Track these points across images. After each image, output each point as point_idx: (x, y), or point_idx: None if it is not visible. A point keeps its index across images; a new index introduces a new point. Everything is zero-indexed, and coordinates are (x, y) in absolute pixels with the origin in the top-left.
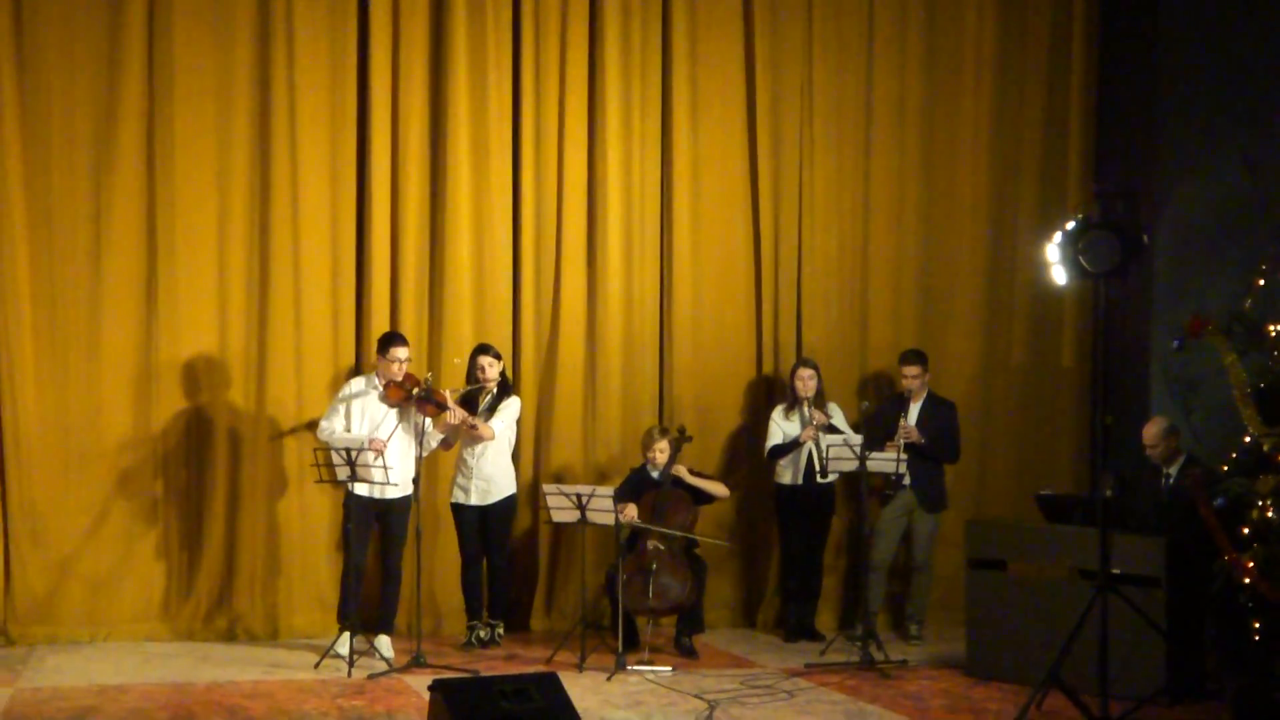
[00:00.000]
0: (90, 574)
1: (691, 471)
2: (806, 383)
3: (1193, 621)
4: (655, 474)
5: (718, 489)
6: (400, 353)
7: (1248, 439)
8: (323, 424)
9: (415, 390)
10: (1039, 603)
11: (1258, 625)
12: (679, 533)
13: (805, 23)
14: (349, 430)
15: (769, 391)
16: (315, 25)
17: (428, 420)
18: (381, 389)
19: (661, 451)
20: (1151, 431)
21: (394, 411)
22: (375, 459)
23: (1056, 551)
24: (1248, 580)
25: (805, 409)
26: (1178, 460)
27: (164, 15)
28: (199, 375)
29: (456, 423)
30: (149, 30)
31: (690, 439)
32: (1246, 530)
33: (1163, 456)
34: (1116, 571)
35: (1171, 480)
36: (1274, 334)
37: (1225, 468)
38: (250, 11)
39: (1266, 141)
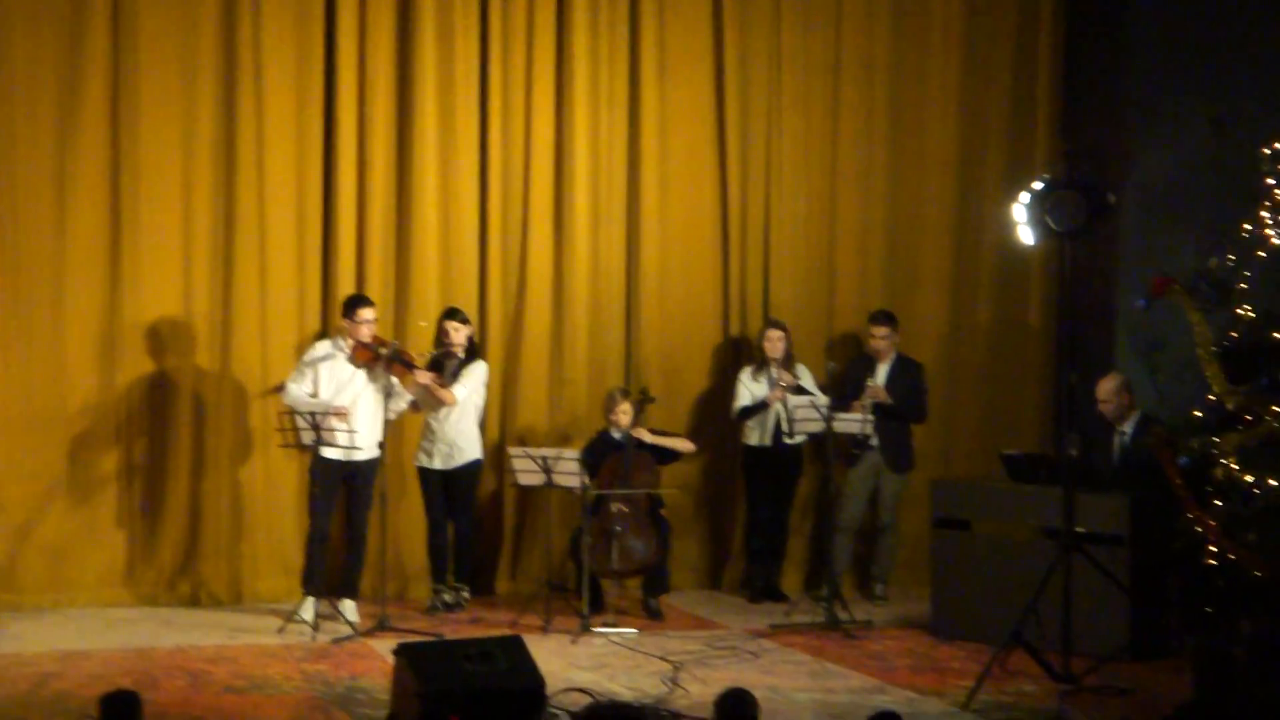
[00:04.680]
0: (52, 540)
1: (653, 431)
2: (775, 344)
3: (1156, 580)
4: (618, 436)
5: (681, 444)
6: (367, 314)
7: (1212, 398)
8: (289, 387)
9: (383, 350)
10: (1004, 562)
11: (1220, 583)
12: (642, 490)
13: None
14: (316, 394)
15: (736, 353)
16: None
17: (395, 381)
18: (349, 351)
19: (624, 414)
20: (1106, 387)
21: (362, 374)
22: (341, 421)
23: (1021, 511)
24: (1211, 538)
25: (773, 370)
26: (1132, 417)
27: None
28: (163, 339)
29: (426, 383)
30: None
31: (654, 400)
32: (1210, 489)
33: (1115, 413)
34: (1081, 530)
35: (1126, 438)
36: (1239, 293)
37: (1189, 426)
38: None
39: (1233, 101)
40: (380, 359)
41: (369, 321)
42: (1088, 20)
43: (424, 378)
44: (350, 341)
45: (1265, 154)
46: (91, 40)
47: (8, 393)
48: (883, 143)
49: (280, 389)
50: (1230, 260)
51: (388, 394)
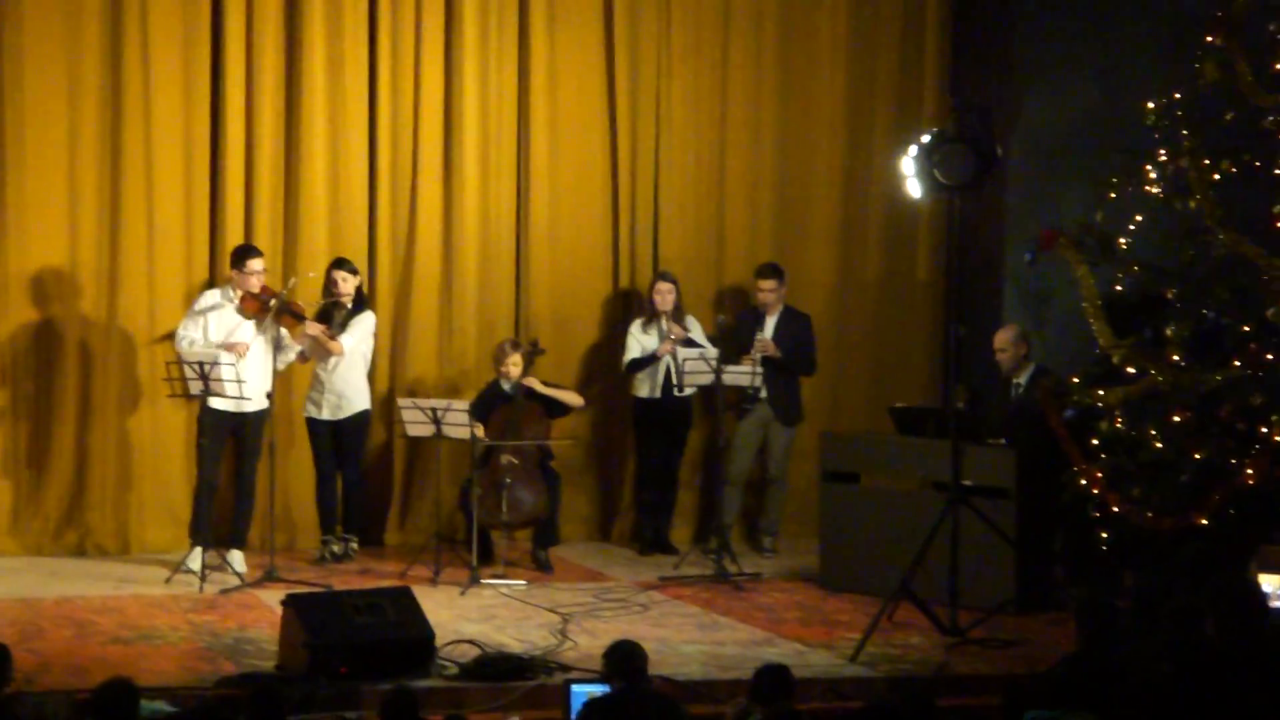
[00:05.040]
0: None
1: (544, 383)
2: (665, 296)
3: (1042, 533)
4: (508, 387)
5: (571, 398)
6: (256, 264)
7: (1098, 351)
8: (180, 334)
9: (272, 302)
10: (892, 515)
11: (1105, 536)
12: (532, 441)
13: None
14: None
15: (626, 305)
16: None
17: (284, 332)
18: (237, 301)
19: (515, 365)
20: (1003, 336)
21: (250, 324)
22: (230, 372)
23: (909, 464)
24: (1096, 492)
25: (663, 323)
26: (1027, 369)
27: None
28: (48, 287)
29: (315, 334)
30: None
31: (544, 352)
32: (1096, 442)
33: (1011, 362)
34: (968, 483)
35: (1021, 390)
36: (1124, 247)
37: (1076, 379)
38: None
39: (1118, 54)
40: (268, 310)
41: (258, 273)
42: None
43: (313, 329)
44: (239, 292)
45: (1149, 108)
46: None
47: None
48: (772, 96)
49: (167, 338)
50: (1116, 214)
51: (276, 345)
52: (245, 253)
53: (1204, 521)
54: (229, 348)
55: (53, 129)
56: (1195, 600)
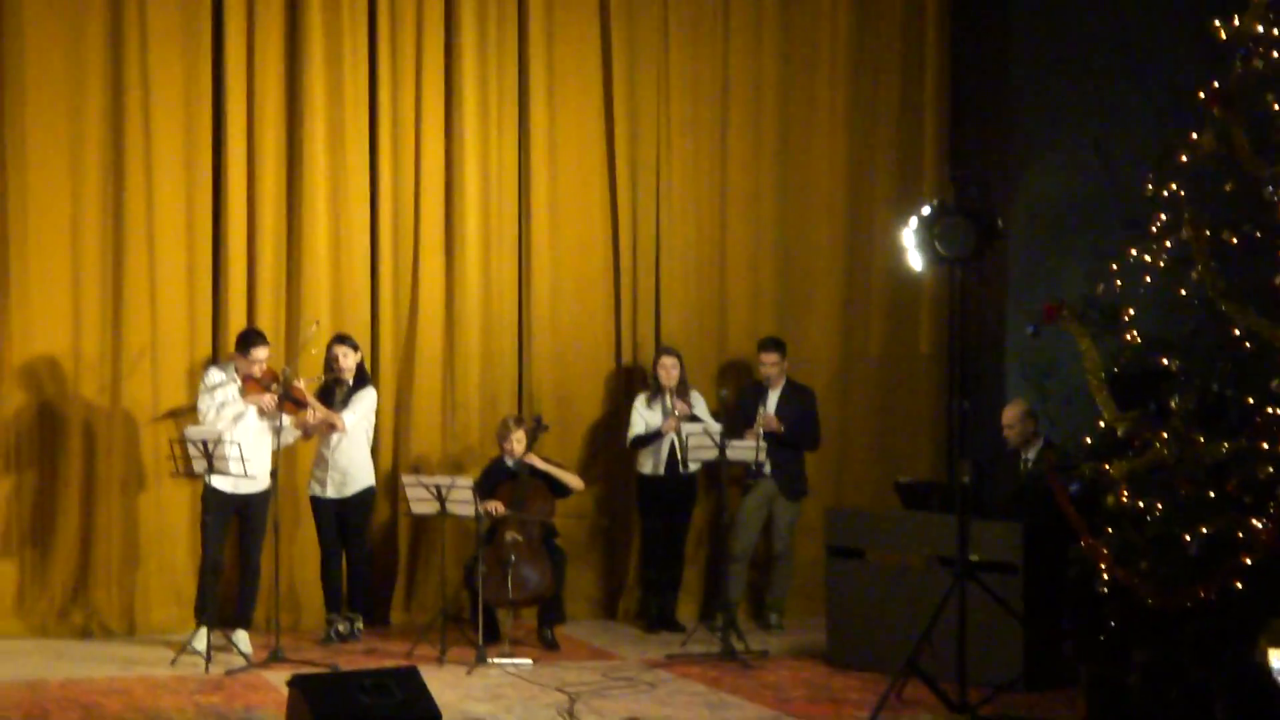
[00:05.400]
0: None
1: (545, 459)
2: (669, 372)
3: (1050, 608)
4: (511, 464)
5: (572, 480)
6: (260, 353)
7: (1102, 424)
8: (200, 409)
9: (273, 386)
10: (898, 591)
11: (1113, 611)
12: (538, 518)
13: (661, 4)
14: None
15: (628, 381)
16: (168, 13)
17: (285, 417)
18: (239, 383)
19: (519, 441)
20: (1011, 413)
21: (253, 407)
22: (234, 450)
23: (915, 539)
24: (1103, 566)
25: (667, 399)
26: (1035, 444)
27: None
28: (52, 367)
29: (316, 421)
30: None
31: (547, 428)
32: (1102, 516)
33: (1020, 439)
34: (975, 558)
35: (1029, 464)
36: (1128, 319)
37: (1080, 453)
38: None
39: (1116, 126)
40: (270, 392)
41: (260, 361)
42: (973, 44)
43: (314, 417)
44: (242, 375)
45: (1150, 177)
46: None
47: None
48: (771, 166)
49: (173, 415)
50: (1117, 286)
51: (276, 430)
52: (249, 340)
53: (1212, 596)
54: (259, 399)
55: (54, 211)
56: (1205, 678)
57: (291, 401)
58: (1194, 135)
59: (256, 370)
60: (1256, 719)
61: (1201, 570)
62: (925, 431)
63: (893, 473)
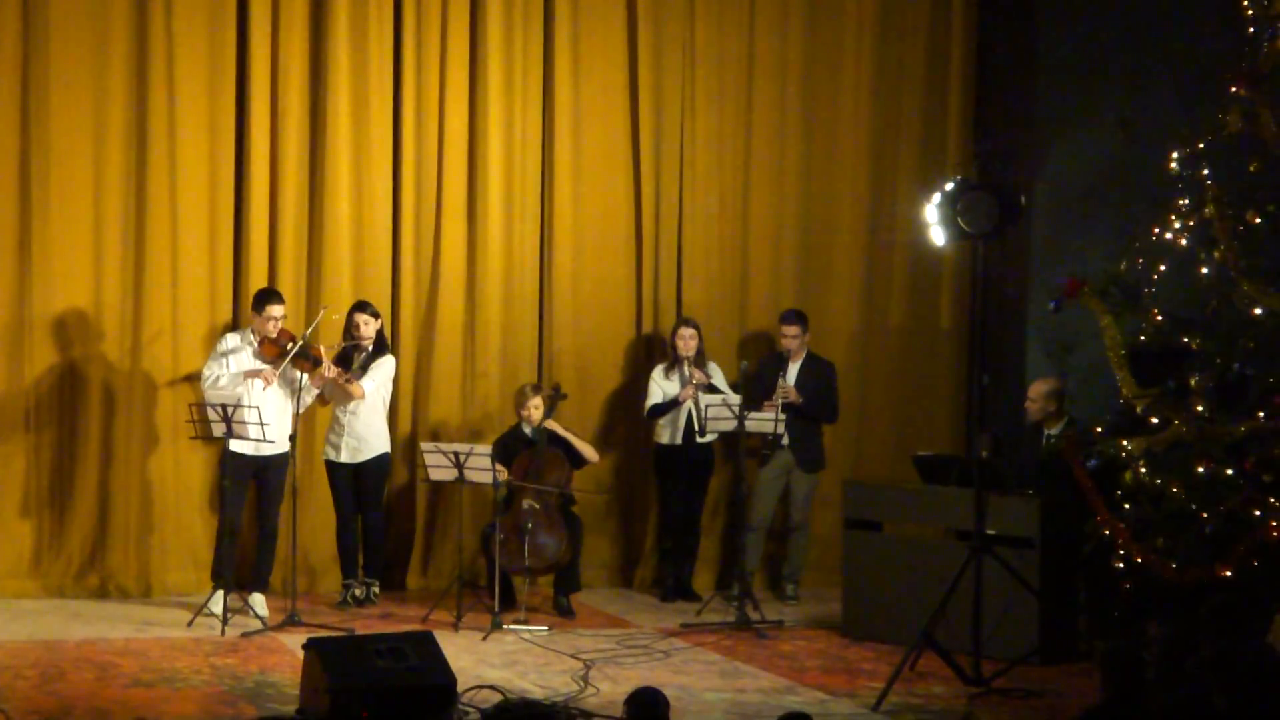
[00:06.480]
0: None
1: (564, 428)
2: (688, 342)
3: (1065, 583)
4: (529, 431)
5: (588, 451)
6: (275, 310)
7: (1122, 400)
8: (205, 374)
9: (290, 345)
10: (914, 563)
11: (1128, 586)
12: (554, 488)
13: None
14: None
15: (648, 350)
16: None
17: (303, 376)
18: (256, 345)
19: (536, 409)
20: (1037, 388)
21: (269, 367)
22: (253, 414)
23: (932, 512)
24: (1119, 542)
25: (685, 368)
26: (1060, 422)
27: None
28: (73, 330)
29: (331, 378)
30: None
31: (565, 396)
32: (1119, 492)
33: (1039, 414)
34: (991, 532)
35: (1052, 440)
36: (1149, 296)
37: (1099, 429)
38: None
39: (1141, 102)
40: (286, 354)
41: (276, 319)
42: (999, 21)
43: (330, 373)
44: (259, 335)
45: (1173, 157)
46: (1, 25)
47: None
48: (796, 141)
49: (191, 378)
50: (1140, 263)
51: (294, 390)
52: (265, 298)
53: (1228, 574)
54: (254, 374)
55: (78, 172)
56: (1220, 654)
57: (308, 360)
58: (1220, 115)
59: (272, 329)
60: (1266, 697)
61: (1217, 548)
62: (944, 406)
63: (911, 446)
